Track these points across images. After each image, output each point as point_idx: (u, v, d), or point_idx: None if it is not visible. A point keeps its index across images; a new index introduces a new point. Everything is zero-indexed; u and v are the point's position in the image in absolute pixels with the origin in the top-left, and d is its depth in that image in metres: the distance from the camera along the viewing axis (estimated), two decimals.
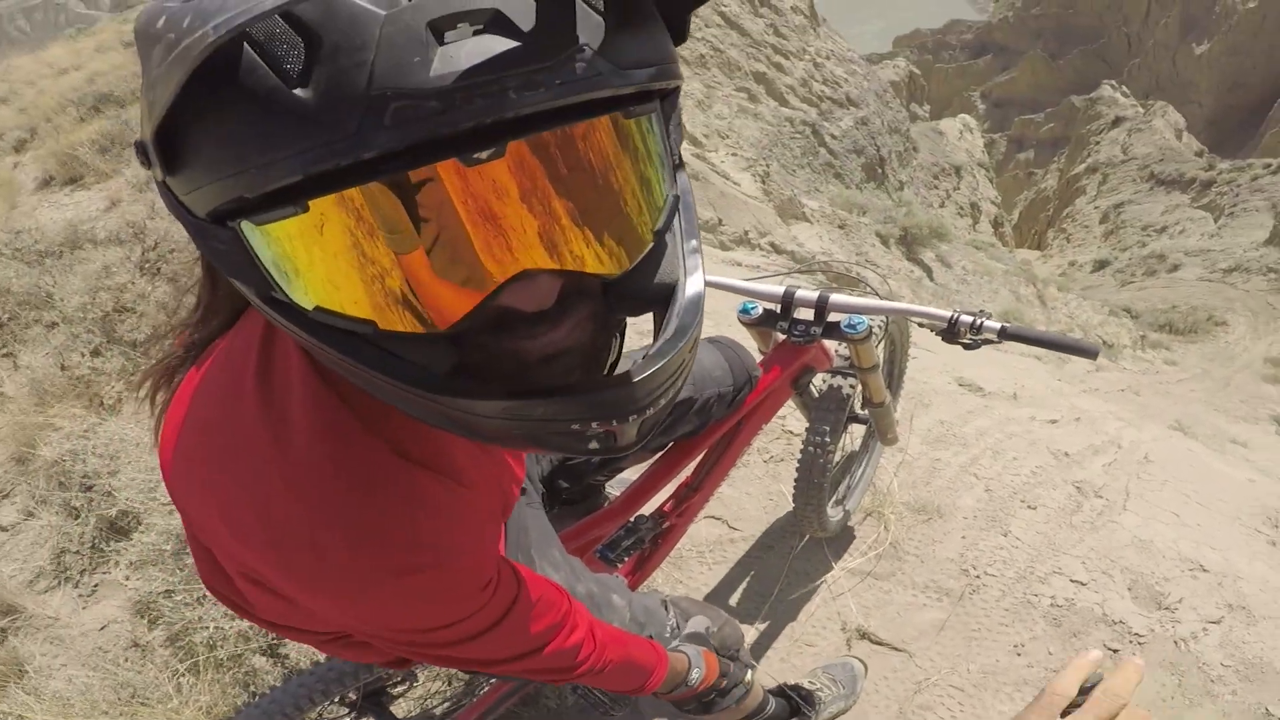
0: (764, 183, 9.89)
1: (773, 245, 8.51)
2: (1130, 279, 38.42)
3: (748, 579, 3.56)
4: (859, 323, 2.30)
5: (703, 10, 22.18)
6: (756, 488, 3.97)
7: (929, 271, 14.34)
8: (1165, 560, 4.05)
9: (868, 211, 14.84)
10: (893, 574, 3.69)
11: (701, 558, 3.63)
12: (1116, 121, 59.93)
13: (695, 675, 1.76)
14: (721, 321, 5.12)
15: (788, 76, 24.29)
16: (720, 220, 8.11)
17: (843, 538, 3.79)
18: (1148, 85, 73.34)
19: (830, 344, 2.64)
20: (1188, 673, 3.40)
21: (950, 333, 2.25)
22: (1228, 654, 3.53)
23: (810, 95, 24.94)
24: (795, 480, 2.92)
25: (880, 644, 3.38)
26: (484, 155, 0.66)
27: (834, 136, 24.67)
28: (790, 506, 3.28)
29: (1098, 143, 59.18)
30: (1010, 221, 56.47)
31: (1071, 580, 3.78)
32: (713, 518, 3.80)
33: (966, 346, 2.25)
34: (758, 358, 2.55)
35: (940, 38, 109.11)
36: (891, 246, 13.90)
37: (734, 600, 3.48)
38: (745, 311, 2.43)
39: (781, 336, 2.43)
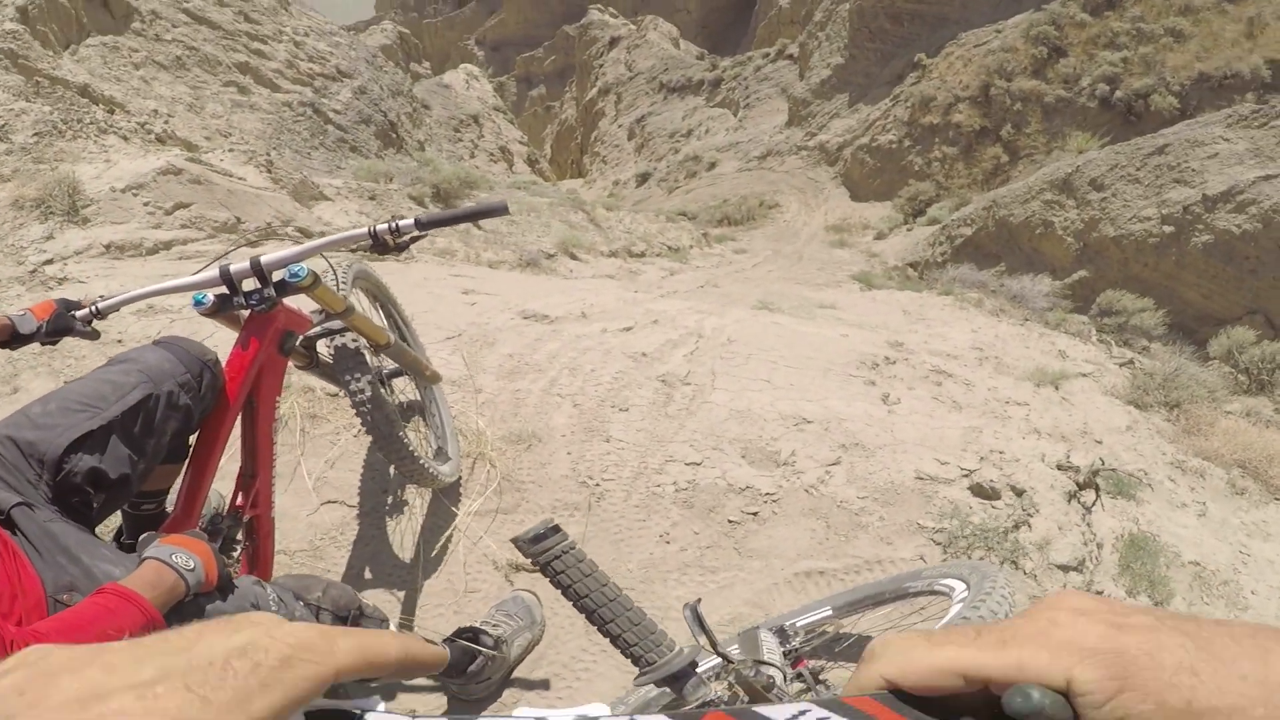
0: (270, 171, 9.65)
1: (301, 231, 8.36)
2: (676, 185, 41.40)
3: (388, 549, 3.58)
4: (299, 271, 2.39)
5: (166, 11, 21.37)
6: (357, 462, 3.97)
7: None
8: (768, 423, 4.51)
9: (394, 177, 15.01)
10: (518, 505, 3.85)
11: (335, 542, 3.59)
12: (613, 42, 63.92)
13: (189, 570, 1.77)
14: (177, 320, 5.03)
15: (272, 61, 23.86)
16: (239, 219, 7.83)
17: (457, 487, 3.89)
18: (633, 3, 78.39)
19: (297, 303, 2.69)
20: (830, 514, 3.83)
21: (378, 245, 2.48)
22: (859, 488, 4.02)
23: (300, 75, 24.60)
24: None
25: (536, 570, 3.51)
26: None
27: (337, 111, 24.72)
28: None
29: (601, 65, 62.86)
30: (545, 157, 58.90)
31: (686, 464, 4.13)
32: (330, 502, 3.76)
33: (399, 249, 2.51)
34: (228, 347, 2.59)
35: None
36: (428, 205, 14.10)
37: (382, 571, 3.49)
38: (199, 304, 2.45)
39: (245, 312, 2.49)
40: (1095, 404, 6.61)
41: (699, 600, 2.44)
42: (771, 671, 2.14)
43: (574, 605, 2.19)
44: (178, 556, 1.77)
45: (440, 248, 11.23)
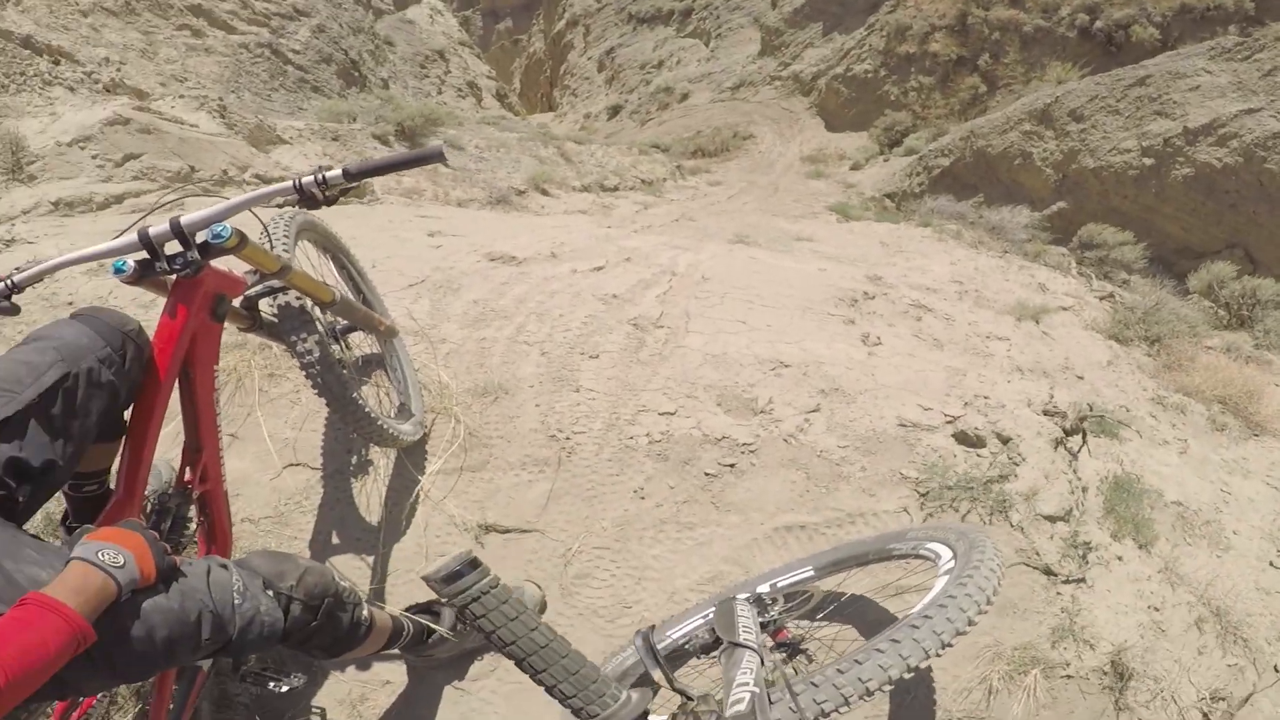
0: (223, 116, 9.40)
1: (259, 177, 8.18)
2: (648, 117, 40.89)
3: (355, 513, 3.50)
4: (223, 231, 2.24)
5: None
6: (319, 421, 3.85)
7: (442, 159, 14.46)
8: (744, 368, 4.39)
9: (357, 116, 14.74)
10: (486, 462, 3.75)
11: (300, 507, 3.51)
12: None
13: (118, 567, 1.65)
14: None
15: (225, 2, 23.32)
16: (193, 168, 7.64)
17: (423, 444, 3.78)
18: None
19: (226, 265, 2.51)
20: (810, 464, 3.74)
21: (307, 199, 2.33)
22: (840, 436, 3.91)
23: (256, 16, 24.10)
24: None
25: (508, 531, 3.45)
26: None
27: (296, 51, 24.27)
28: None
29: None
30: (514, 91, 58.14)
31: (659, 414, 4.01)
32: (293, 465, 3.68)
33: (329, 202, 2.36)
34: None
35: None
36: (394, 144, 13.91)
37: (350, 537, 3.42)
38: (119, 271, 2.29)
39: (172, 277, 2.33)
40: (1076, 338, 6.57)
41: (652, 627, 2.28)
42: (741, 695, 1.94)
43: (500, 652, 2.01)
44: (105, 553, 1.64)
45: (408, 187, 11.05)
